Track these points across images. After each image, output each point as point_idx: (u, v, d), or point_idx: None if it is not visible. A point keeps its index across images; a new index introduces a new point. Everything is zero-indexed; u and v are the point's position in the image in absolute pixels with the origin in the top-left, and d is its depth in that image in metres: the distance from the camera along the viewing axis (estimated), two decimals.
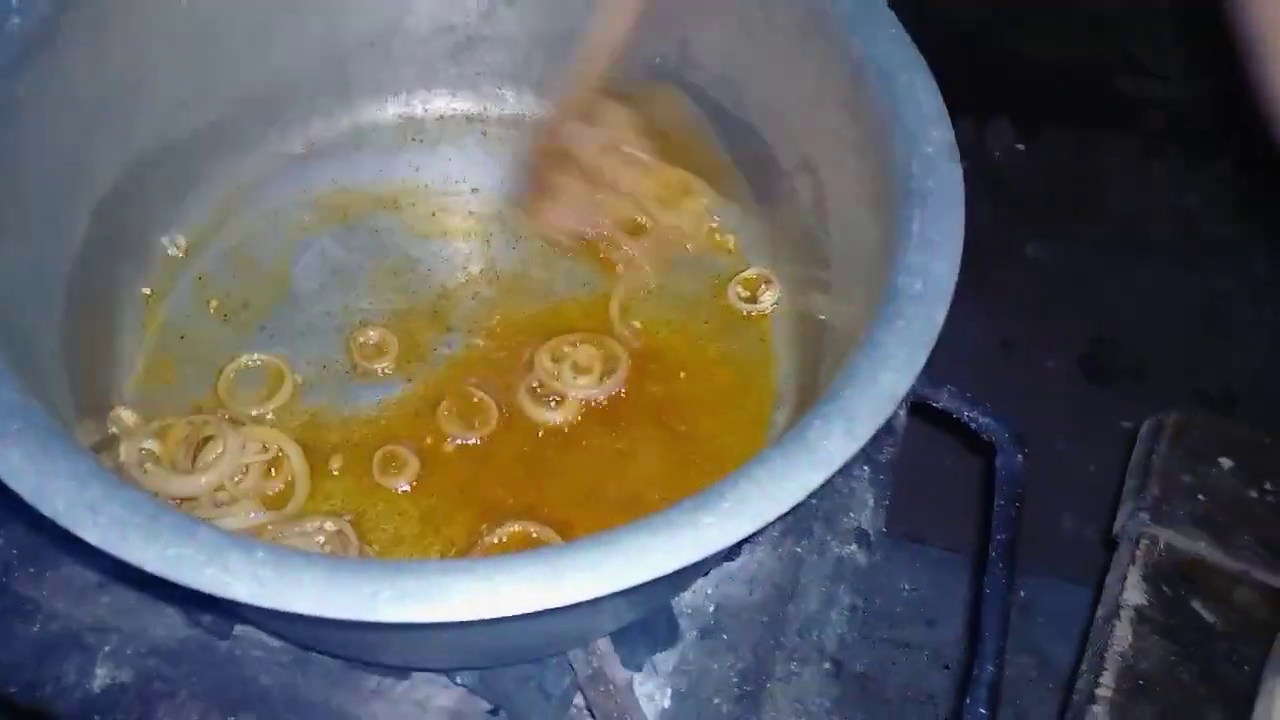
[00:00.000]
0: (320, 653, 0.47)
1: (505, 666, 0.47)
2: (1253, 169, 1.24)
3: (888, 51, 0.45)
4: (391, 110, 0.60)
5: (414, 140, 0.60)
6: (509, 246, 0.57)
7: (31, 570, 0.48)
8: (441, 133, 0.60)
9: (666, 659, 0.50)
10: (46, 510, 0.30)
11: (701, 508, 0.32)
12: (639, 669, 0.49)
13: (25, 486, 0.30)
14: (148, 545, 0.29)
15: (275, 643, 0.48)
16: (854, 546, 0.53)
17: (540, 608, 0.31)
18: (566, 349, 0.53)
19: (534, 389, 0.52)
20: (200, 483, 0.45)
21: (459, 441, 0.50)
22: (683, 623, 0.51)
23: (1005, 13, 1.26)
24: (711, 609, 0.51)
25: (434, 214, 0.58)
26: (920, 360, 0.36)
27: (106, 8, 0.45)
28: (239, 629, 0.48)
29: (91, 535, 0.29)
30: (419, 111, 0.60)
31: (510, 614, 0.30)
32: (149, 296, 0.53)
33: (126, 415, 0.48)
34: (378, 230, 0.57)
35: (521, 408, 0.51)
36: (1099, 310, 1.27)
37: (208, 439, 0.47)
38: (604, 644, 0.48)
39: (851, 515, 0.53)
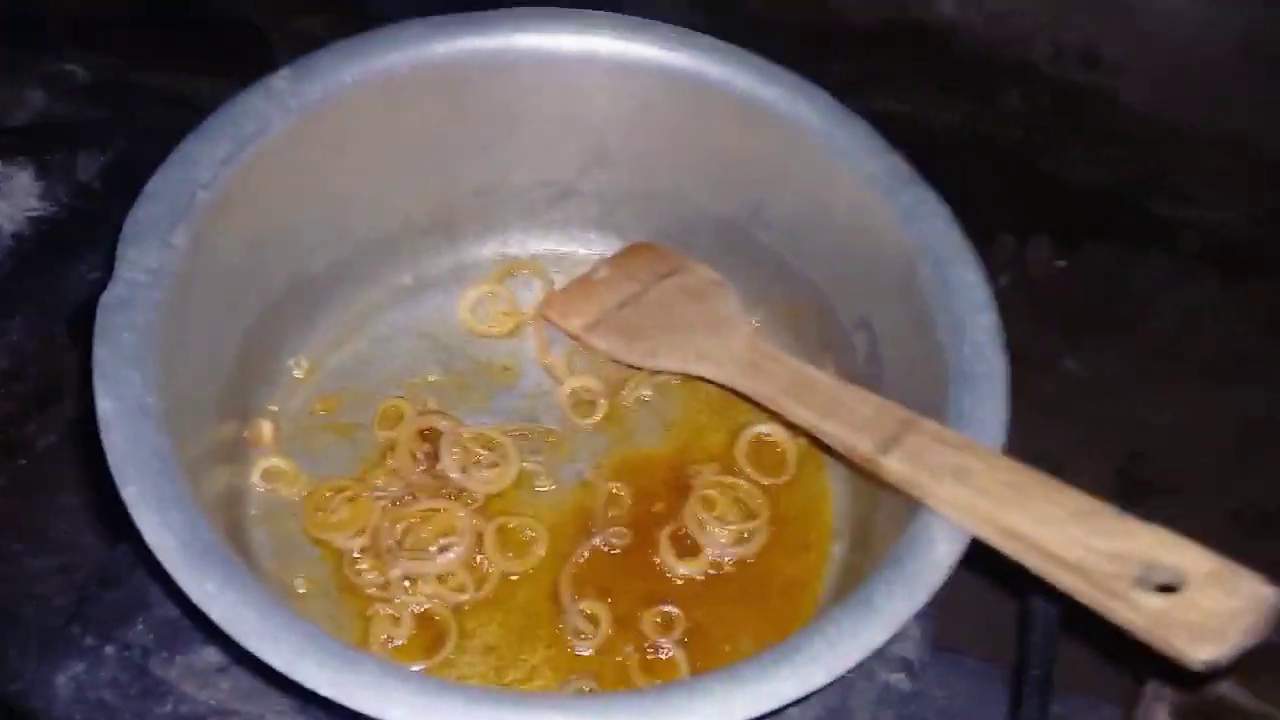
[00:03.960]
0: None
1: None
2: None
3: (941, 243, 0.52)
4: (491, 248, 0.67)
5: (510, 275, 0.67)
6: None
7: (165, 654, 0.54)
8: (534, 267, 0.67)
9: None
10: (237, 636, 0.36)
11: (781, 661, 0.38)
12: None
13: (220, 615, 0.36)
14: (319, 672, 0.35)
15: None
16: (900, 675, 0.57)
17: None
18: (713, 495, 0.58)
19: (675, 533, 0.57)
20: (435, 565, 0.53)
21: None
22: None
23: (1046, 136, 1.32)
24: None
25: (531, 341, 0.64)
26: (967, 538, 0.42)
27: (268, 182, 0.53)
28: None
29: (276, 661, 0.35)
30: (516, 250, 0.67)
31: None
32: (275, 413, 0.60)
33: (266, 429, 0.56)
34: (475, 354, 0.64)
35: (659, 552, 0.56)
36: (1134, 426, 1.29)
37: None
38: None
39: (898, 645, 0.58)
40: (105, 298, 0.44)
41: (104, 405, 0.40)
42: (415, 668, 0.50)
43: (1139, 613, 0.36)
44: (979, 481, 0.42)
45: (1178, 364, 1.29)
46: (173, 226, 0.47)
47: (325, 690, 0.36)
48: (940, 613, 0.61)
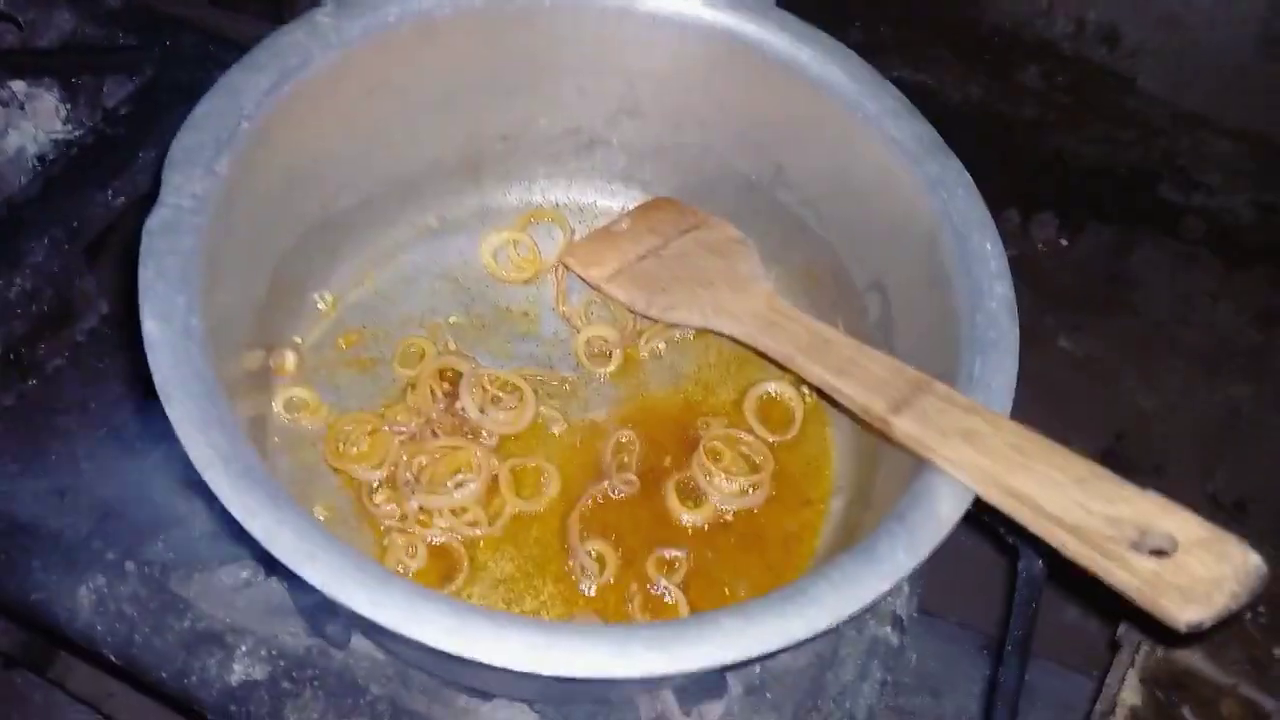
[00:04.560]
0: (424, 672, 0.55)
1: (579, 705, 0.55)
2: None
3: (964, 212, 0.53)
4: (515, 195, 0.68)
5: (533, 222, 0.68)
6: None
7: (183, 572, 0.56)
8: (557, 215, 0.68)
9: (714, 709, 0.57)
10: (276, 552, 0.37)
11: (787, 602, 0.39)
12: (688, 715, 0.57)
13: (260, 531, 0.38)
14: (357, 591, 0.37)
15: (382, 656, 0.56)
16: (889, 628, 0.60)
17: (647, 675, 0.38)
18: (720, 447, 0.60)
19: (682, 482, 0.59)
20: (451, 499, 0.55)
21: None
22: (730, 679, 0.58)
23: (1060, 114, 1.33)
24: (758, 670, 0.58)
25: (550, 289, 0.66)
26: (970, 496, 0.44)
27: (307, 115, 0.53)
28: (354, 641, 0.55)
29: (313, 577, 0.37)
30: (539, 198, 0.68)
31: (627, 677, 0.38)
32: (299, 345, 0.61)
33: (290, 359, 0.57)
34: (495, 299, 0.65)
35: (665, 499, 0.58)
36: (1123, 407, 1.32)
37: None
38: (668, 694, 0.55)
39: (889, 601, 0.60)
40: (150, 222, 0.45)
41: (150, 327, 0.41)
42: None
43: (1132, 574, 0.38)
44: (985, 443, 0.44)
45: (1170, 349, 1.32)
46: (217, 154, 0.48)
47: (362, 609, 0.37)
48: (930, 573, 0.64)
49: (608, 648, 0.38)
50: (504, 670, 0.37)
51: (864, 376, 0.51)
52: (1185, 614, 0.37)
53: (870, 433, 0.52)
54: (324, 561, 0.38)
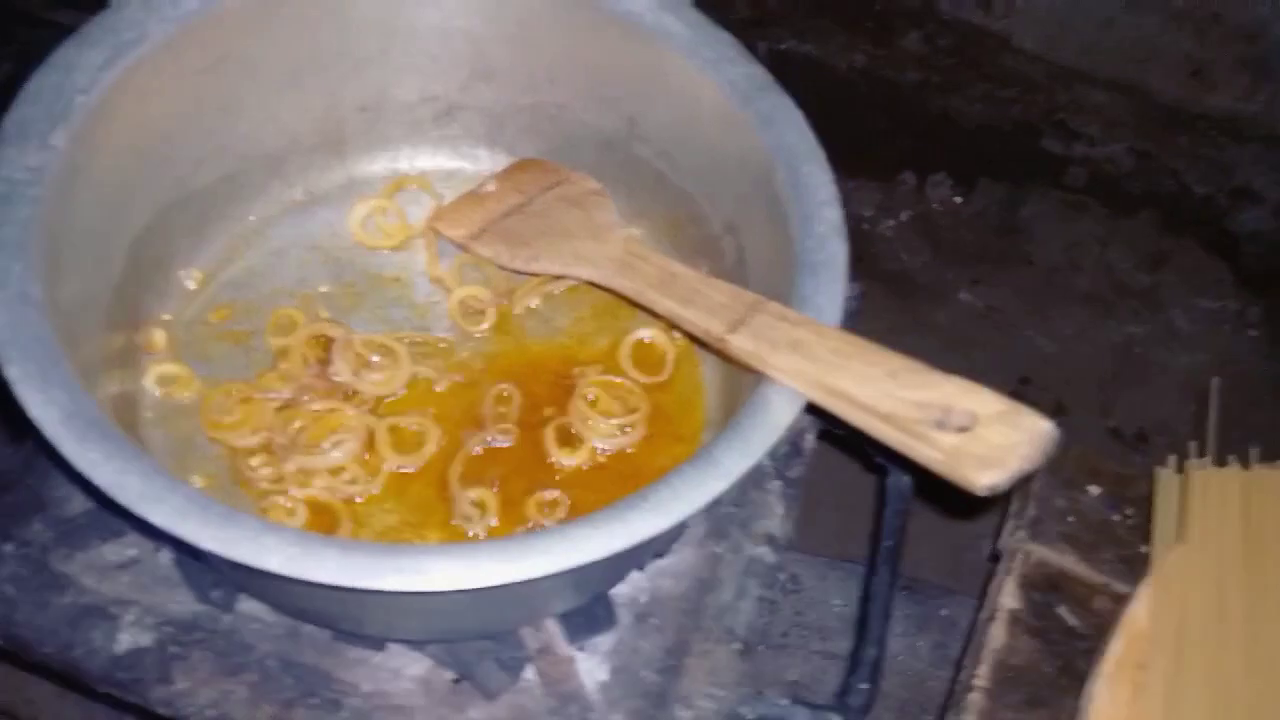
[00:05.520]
0: (310, 623, 0.56)
1: (467, 641, 0.56)
2: (1171, 225, 1.36)
3: (794, 145, 0.55)
4: (381, 165, 0.69)
5: (400, 190, 0.69)
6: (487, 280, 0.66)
7: (64, 551, 0.56)
8: (423, 182, 0.69)
9: (605, 640, 0.59)
10: (122, 499, 0.39)
11: (630, 508, 0.42)
12: (581, 649, 0.59)
13: (105, 480, 0.39)
14: (202, 528, 0.38)
15: (271, 617, 0.57)
16: (765, 548, 0.62)
17: (506, 581, 0.40)
18: (597, 392, 0.62)
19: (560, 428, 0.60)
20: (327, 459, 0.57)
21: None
22: (620, 610, 0.60)
23: (942, 79, 1.38)
24: (644, 599, 0.60)
25: (421, 254, 0.67)
26: (801, 402, 0.46)
27: (149, 90, 0.54)
28: (241, 605, 0.56)
29: (158, 519, 0.38)
30: (405, 166, 0.70)
31: (482, 585, 0.39)
32: (169, 322, 0.62)
33: (159, 336, 0.58)
34: (366, 266, 0.66)
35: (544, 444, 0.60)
36: (1024, 353, 1.37)
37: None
38: (551, 624, 0.57)
39: (763, 522, 0.63)
40: None
41: None
42: None
43: (937, 449, 0.41)
44: (811, 351, 0.47)
45: (1065, 295, 1.37)
46: (51, 128, 0.48)
47: (207, 544, 0.39)
48: (807, 499, 0.67)
49: (457, 560, 0.40)
50: (356, 592, 0.39)
51: (705, 302, 0.53)
52: (982, 478, 0.40)
53: (716, 356, 0.54)
54: (171, 504, 0.39)
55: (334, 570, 0.39)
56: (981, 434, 0.41)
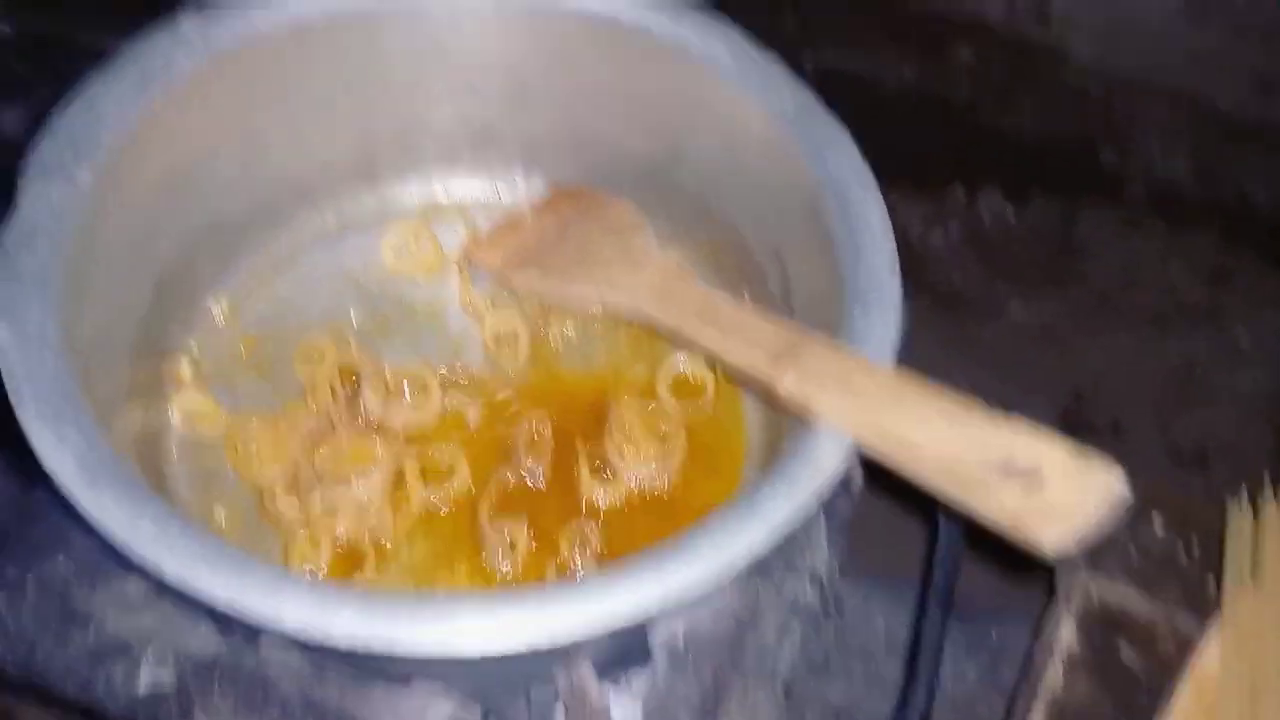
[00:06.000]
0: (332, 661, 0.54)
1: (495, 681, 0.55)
2: (1233, 241, 1.31)
3: (844, 174, 0.53)
4: (415, 191, 0.68)
5: (435, 218, 0.68)
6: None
7: (86, 588, 0.56)
8: (458, 210, 0.68)
9: (640, 681, 0.57)
10: (135, 547, 0.37)
11: (667, 560, 0.39)
12: (615, 685, 0.56)
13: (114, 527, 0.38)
14: (214, 578, 0.37)
15: (294, 653, 0.55)
16: (808, 587, 0.59)
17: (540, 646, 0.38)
18: (632, 422, 0.59)
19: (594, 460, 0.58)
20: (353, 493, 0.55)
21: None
22: (655, 648, 0.57)
23: (997, 92, 1.34)
24: (681, 639, 0.58)
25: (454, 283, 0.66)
26: (848, 445, 0.44)
27: (179, 123, 0.53)
28: (264, 639, 0.55)
29: (170, 570, 0.37)
30: (439, 192, 0.68)
31: (509, 650, 0.37)
32: (195, 353, 0.61)
33: (185, 367, 0.57)
34: (399, 296, 0.65)
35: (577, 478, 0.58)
36: (1079, 370, 1.32)
37: None
38: (584, 664, 0.55)
39: (808, 561, 0.60)
40: (6, 234, 0.45)
41: (0, 332, 0.41)
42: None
43: (998, 504, 0.38)
44: (861, 389, 0.44)
45: (1122, 312, 1.33)
46: (77, 163, 0.48)
47: (219, 594, 0.37)
48: (855, 537, 0.64)
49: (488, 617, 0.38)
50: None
51: (748, 335, 0.51)
52: (1049, 539, 0.37)
53: (760, 395, 0.52)
54: (183, 551, 0.38)
55: (350, 630, 0.37)
56: (1046, 488, 0.38)
